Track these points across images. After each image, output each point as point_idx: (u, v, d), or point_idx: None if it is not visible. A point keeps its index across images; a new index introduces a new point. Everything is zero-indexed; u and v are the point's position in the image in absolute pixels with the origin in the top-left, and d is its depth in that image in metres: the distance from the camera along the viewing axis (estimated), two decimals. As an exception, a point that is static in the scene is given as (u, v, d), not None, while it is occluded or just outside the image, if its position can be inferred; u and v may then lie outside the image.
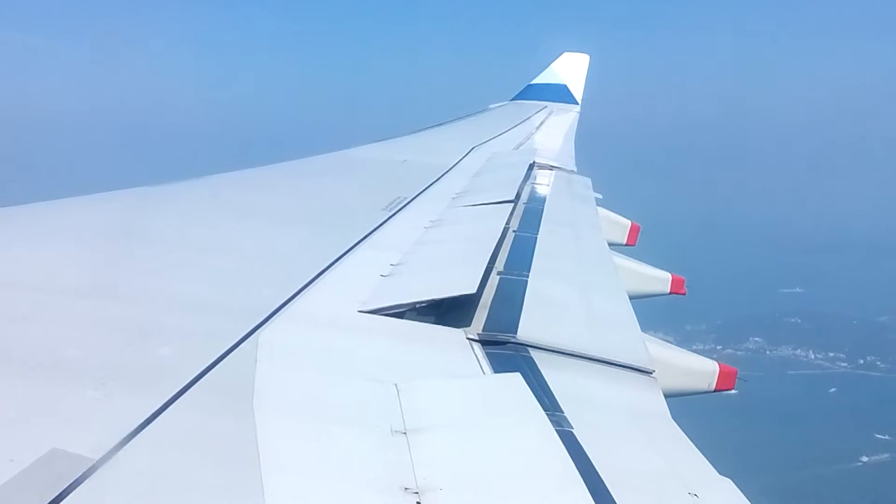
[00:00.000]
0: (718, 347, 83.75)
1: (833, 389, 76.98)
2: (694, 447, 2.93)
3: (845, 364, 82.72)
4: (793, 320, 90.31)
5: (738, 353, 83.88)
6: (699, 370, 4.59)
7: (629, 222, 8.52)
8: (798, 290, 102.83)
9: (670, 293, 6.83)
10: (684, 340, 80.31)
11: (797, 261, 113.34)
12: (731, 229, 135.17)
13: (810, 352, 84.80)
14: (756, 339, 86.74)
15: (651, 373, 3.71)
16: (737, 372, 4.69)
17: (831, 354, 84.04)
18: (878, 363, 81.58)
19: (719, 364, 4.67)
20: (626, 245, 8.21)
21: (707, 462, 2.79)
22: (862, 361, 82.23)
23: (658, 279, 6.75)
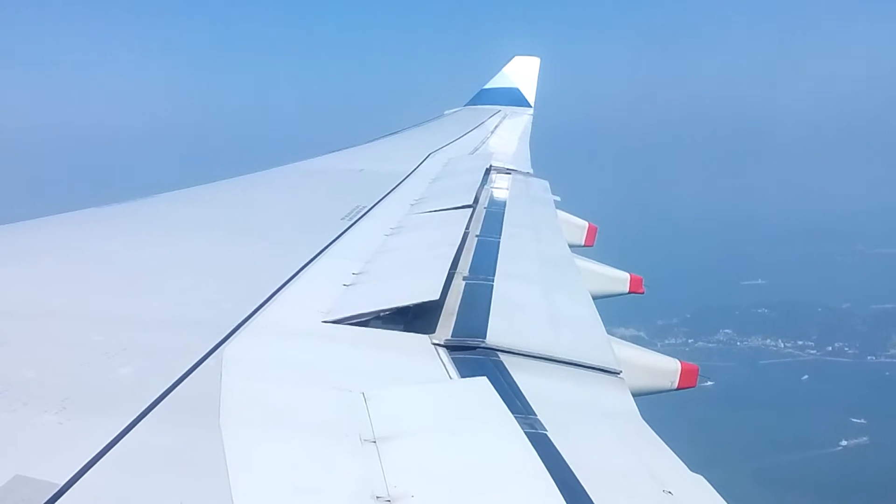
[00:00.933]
0: (690, 340, 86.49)
1: (805, 377, 79.28)
2: (665, 445, 2.98)
3: (814, 351, 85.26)
4: (760, 311, 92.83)
5: (710, 345, 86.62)
6: (662, 369, 4.66)
7: (586, 224, 8.61)
8: (760, 281, 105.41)
9: (629, 292, 6.92)
10: (657, 335, 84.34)
11: (755, 253, 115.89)
12: (688, 225, 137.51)
13: (779, 341, 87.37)
14: (726, 330, 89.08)
15: (618, 373, 3.78)
16: (698, 369, 4.76)
17: (800, 343, 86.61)
18: (846, 349, 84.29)
19: (681, 362, 4.73)
20: (584, 246, 8.29)
21: (679, 460, 2.85)
22: (830, 348, 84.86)
23: (617, 279, 6.84)
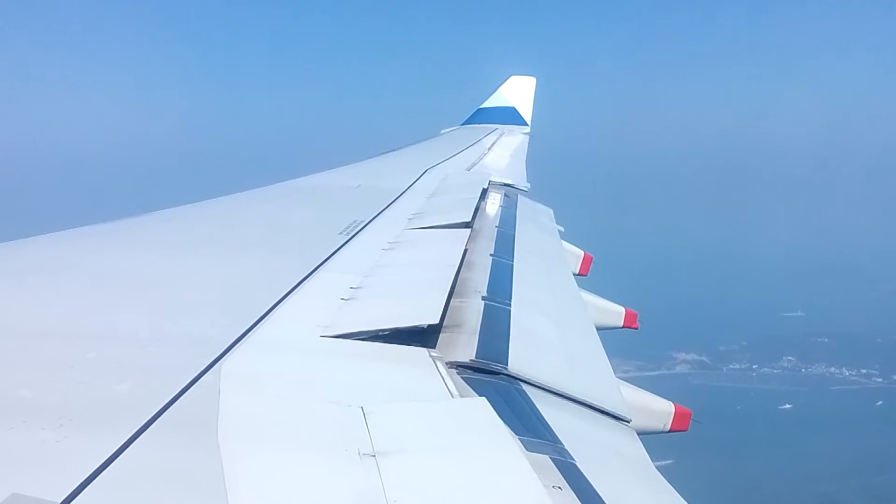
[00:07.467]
0: (755, 366, 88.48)
1: (880, 402, 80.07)
2: (679, 496, 3.05)
3: (881, 380, 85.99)
4: (820, 340, 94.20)
5: (775, 371, 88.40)
6: (656, 410, 4.70)
7: (582, 253, 8.65)
8: (800, 313, 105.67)
9: (623, 327, 6.92)
10: (721, 360, 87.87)
11: (791, 285, 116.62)
12: (720, 256, 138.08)
13: (843, 369, 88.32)
14: (789, 357, 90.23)
15: (629, 422, 3.84)
16: (691, 413, 4.83)
17: (864, 371, 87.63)
18: None
19: (675, 405, 4.77)
20: (577, 275, 8.29)
21: None
22: (895, 377, 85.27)
23: (612, 312, 6.89)
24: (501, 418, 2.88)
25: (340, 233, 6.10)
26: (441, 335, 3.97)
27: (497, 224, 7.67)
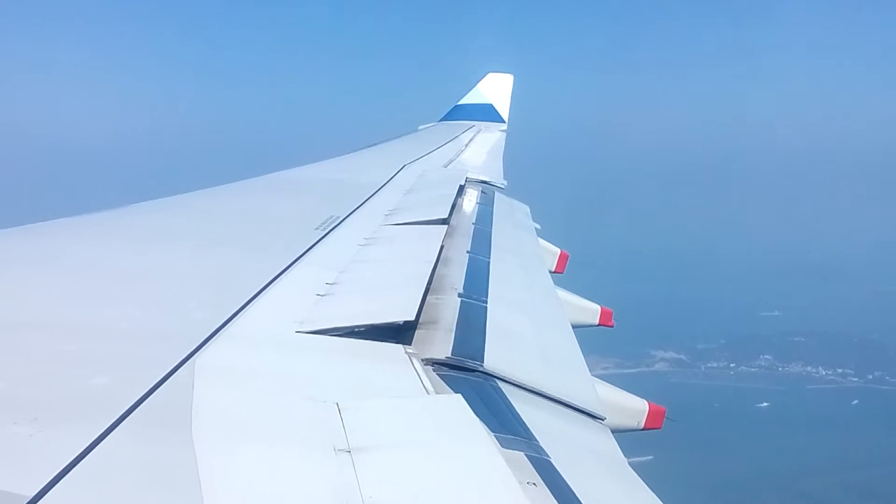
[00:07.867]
0: (732, 365, 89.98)
1: (855, 401, 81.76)
2: (651, 492, 3.11)
3: (856, 379, 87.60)
4: (797, 339, 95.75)
5: (753, 369, 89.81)
6: (630, 408, 4.75)
7: (559, 250, 8.69)
8: (776, 313, 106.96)
9: (599, 325, 6.98)
10: (699, 358, 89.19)
11: (769, 284, 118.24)
12: (697, 255, 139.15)
13: (819, 368, 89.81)
14: (766, 356, 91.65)
15: (603, 419, 3.89)
16: (665, 411, 4.88)
17: (839, 370, 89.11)
18: (887, 378, 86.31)
19: (649, 403, 4.82)
20: (553, 272, 8.32)
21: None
22: (871, 377, 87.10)
23: (588, 310, 6.94)
24: (477, 415, 2.90)
25: (317, 228, 6.08)
26: (417, 332, 3.99)
27: (474, 221, 7.71)
